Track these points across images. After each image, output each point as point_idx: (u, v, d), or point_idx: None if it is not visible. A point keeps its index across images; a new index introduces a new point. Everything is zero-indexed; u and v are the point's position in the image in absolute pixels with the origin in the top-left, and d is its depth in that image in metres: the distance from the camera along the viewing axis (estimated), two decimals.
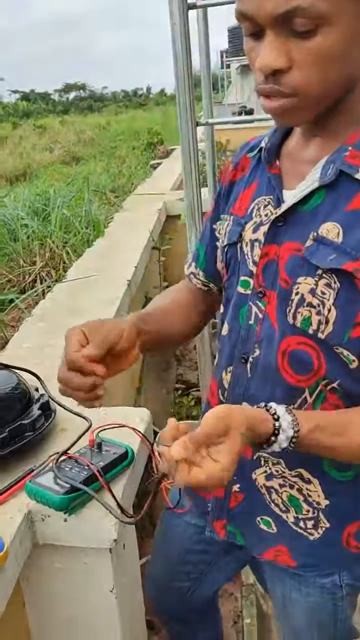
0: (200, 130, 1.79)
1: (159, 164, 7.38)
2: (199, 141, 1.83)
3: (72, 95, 79.24)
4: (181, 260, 1.16)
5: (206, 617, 1.30)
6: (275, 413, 0.78)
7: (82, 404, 0.88)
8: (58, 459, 1.02)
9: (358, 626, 1.09)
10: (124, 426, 1.14)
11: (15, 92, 73.19)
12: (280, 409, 0.79)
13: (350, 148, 0.78)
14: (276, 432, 0.77)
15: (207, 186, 2.51)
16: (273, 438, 0.77)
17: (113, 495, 0.98)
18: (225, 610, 1.70)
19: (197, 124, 1.73)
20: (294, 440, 0.77)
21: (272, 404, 0.80)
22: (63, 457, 1.04)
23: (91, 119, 29.09)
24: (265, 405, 0.80)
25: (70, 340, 0.86)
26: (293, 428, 0.77)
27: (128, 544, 1.19)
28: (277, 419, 0.77)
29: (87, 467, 1.01)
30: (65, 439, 1.15)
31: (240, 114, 9.20)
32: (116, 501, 0.98)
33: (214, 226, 1.05)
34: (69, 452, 1.05)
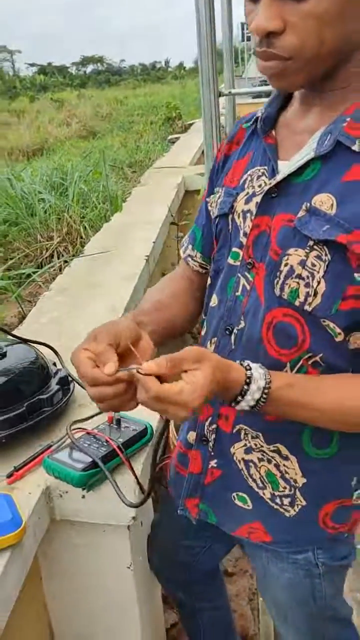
0: (221, 103, 1.74)
1: (177, 138, 7.28)
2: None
3: (89, 68, 78.23)
4: None
5: (209, 589, 1.31)
6: (248, 365, 0.79)
7: (123, 409, 0.83)
8: (70, 430, 1.00)
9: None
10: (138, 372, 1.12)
11: (32, 65, 72.35)
12: (252, 363, 0.79)
13: (348, 119, 0.76)
14: (247, 380, 0.77)
15: None
16: (245, 387, 0.77)
17: (134, 472, 0.97)
18: (240, 588, 1.71)
19: (220, 94, 1.68)
20: (265, 391, 0.77)
21: (245, 361, 0.80)
22: (82, 433, 1.03)
23: (109, 93, 28.74)
24: (240, 361, 0.80)
25: (81, 362, 0.79)
26: (265, 379, 0.78)
27: (145, 520, 1.18)
28: (249, 369, 0.78)
29: (106, 443, 1.00)
30: (83, 414, 1.13)
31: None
32: (136, 478, 0.97)
33: (208, 200, 1.02)
34: (87, 428, 1.04)
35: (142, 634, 1.16)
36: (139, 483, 0.97)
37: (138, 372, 0.71)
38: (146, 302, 1.05)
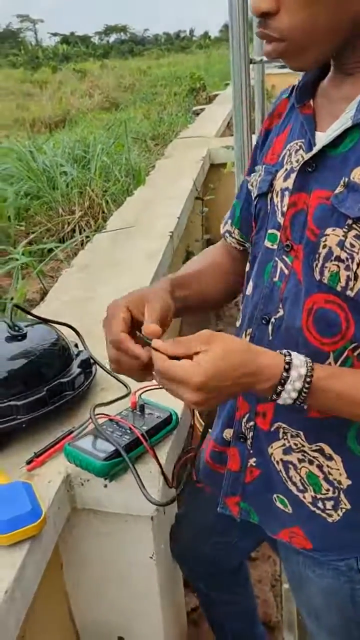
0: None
1: (201, 109, 7.11)
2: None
3: (112, 38, 77.04)
4: (225, 212, 1.07)
5: (233, 583, 1.27)
6: (288, 353, 0.73)
7: (136, 379, 0.83)
8: (94, 415, 0.96)
9: None
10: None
11: (55, 34, 71.55)
12: (293, 353, 0.73)
13: None
14: (287, 367, 0.71)
15: (255, 132, 2.36)
16: (285, 373, 0.71)
17: (158, 462, 0.93)
18: (263, 574, 1.68)
19: (251, 62, 1.59)
20: (308, 379, 0.71)
21: (284, 351, 0.74)
22: (104, 419, 0.99)
23: (132, 63, 28.25)
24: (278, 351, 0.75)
25: (115, 318, 0.80)
26: (306, 366, 0.71)
27: (169, 509, 1.15)
28: (289, 356, 0.72)
29: (129, 431, 0.95)
30: (106, 398, 1.09)
31: None
32: (161, 468, 0.93)
33: (248, 179, 0.96)
34: (110, 414, 0.99)
35: (163, 622, 1.13)
36: (163, 473, 0.93)
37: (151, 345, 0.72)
38: (185, 269, 1.01)
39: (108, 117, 10.19)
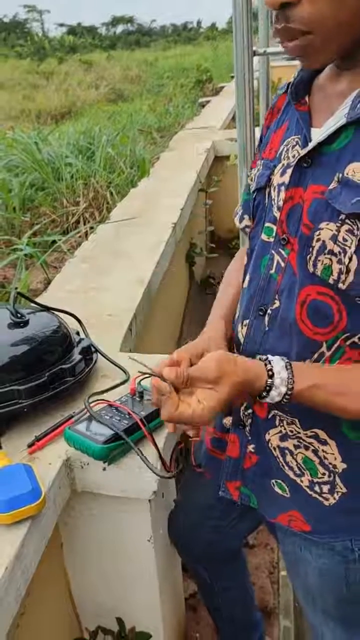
0: (254, 65, 1.65)
1: (208, 101, 7.09)
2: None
3: (119, 29, 76.62)
4: (229, 204, 1.08)
5: (230, 568, 1.30)
6: (271, 369, 0.78)
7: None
8: (89, 400, 0.99)
9: None
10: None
11: (61, 25, 71.15)
12: (277, 365, 0.78)
13: None
14: (267, 388, 0.77)
15: (259, 125, 2.36)
16: (265, 393, 0.78)
17: (156, 446, 0.95)
18: (260, 561, 1.70)
19: (255, 54, 1.59)
20: (287, 396, 0.78)
21: (272, 359, 0.79)
22: (103, 405, 1.01)
23: (138, 55, 28.14)
24: (266, 360, 0.80)
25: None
26: (287, 385, 0.77)
27: (167, 493, 1.17)
28: (272, 376, 0.78)
29: (128, 416, 0.97)
30: (106, 385, 1.11)
31: None
32: (159, 452, 0.94)
33: (249, 174, 0.98)
34: (109, 399, 1.01)
35: (161, 604, 1.16)
36: (161, 458, 0.95)
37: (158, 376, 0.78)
38: (229, 294, 1.07)
39: (114, 108, 10.18)
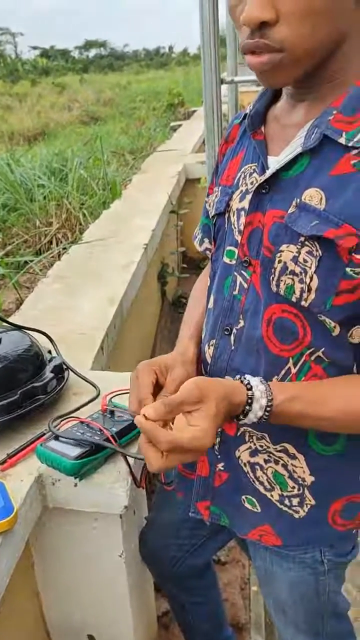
0: (223, 91, 1.72)
1: (179, 125, 7.22)
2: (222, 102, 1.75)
3: (92, 52, 77.46)
4: None
5: (200, 584, 1.31)
6: (248, 383, 0.79)
7: None
8: (53, 423, 1.01)
9: (349, 596, 1.08)
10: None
11: (34, 48, 71.59)
12: (253, 380, 0.79)
13: (334, 112, 0.74)
14: (249, 400, 0.78)
15: None
16: (247, 407, 0.78)
17: (127, 462, 0.97)
18: (232, 577, 1.72)
19: (222, 82, 1.66)
20: (268, 409, 0.78)
21: (247, 376, 0.81)
22: (75, 422, 1.02)
23: (111, 78, 28.48)
24: (241, 377, 0.81)
25: (145, 381, 0.87)
26: (266, 397, 0.78)
27: (138, 509, 1.19)
28: (250, 389, 0.78)
29: (99, 432, 0.99)
30: (78, 402, 1.13)
31: None
32: (129, 468, 0.97)
33: (206, 200, 1.02)
34: (80, 417, 1.03)
35: (133, 622, 1.16)
36: (132, 474, 0.97)
37: (140, 418, 0.73)
38: (196, 313, 1.07)
39: (87, 130, 10.25)
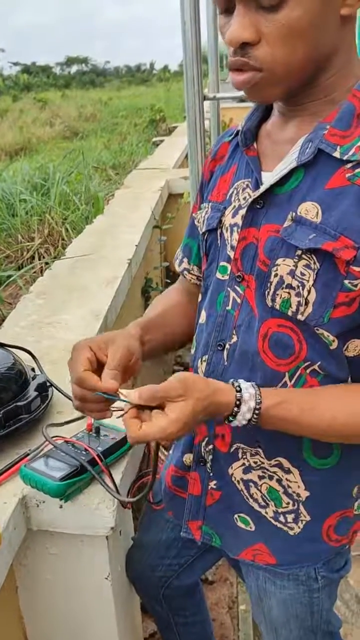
0: (205, 107, 1.73)
1: (161, 140, 7.26)
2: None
3: (74, 69, 77.91)
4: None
5: (187, 603, 1.29)
6: (238, 386, 0.79)
7: (98, 418, 0.87)
8: (46, 434, 0.98)
9: (338, 612, 1.07)
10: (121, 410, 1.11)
11: (16, 64, 71.79)
12: (244, 383, 0.79)
13: (328, 126, 0.76)
14: (237, 402, 0.78)
15: None
16: (235, 409, 0.78)
17: (113, 481, 0.95)
18: (220, 596, 1.69)
19: (205, 98, 1.67)
20: (256, 412, 0.78)
21: (239, 379, 0.81)
22: (60, 441, 1.00)
23: (93, 94, 28.64)
24: (233, 381, 0.81)
25: (79, 358, 0.84)
26: (255, 400, 0.78)
27: (124, 530, 1.16)
28: (240, 391, 0.78)
29: (85, 452, 0.97)
30: (59, 420, 1.10)
31: None
32: (115, 487, 0.95)
33: (195, 216, 1.02)
34: (66, 436, 1.01)
35: None
36: (118, 492, 0.95)
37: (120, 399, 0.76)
38: (150, 311, 1.06)
39: (69, 145, 10.27)
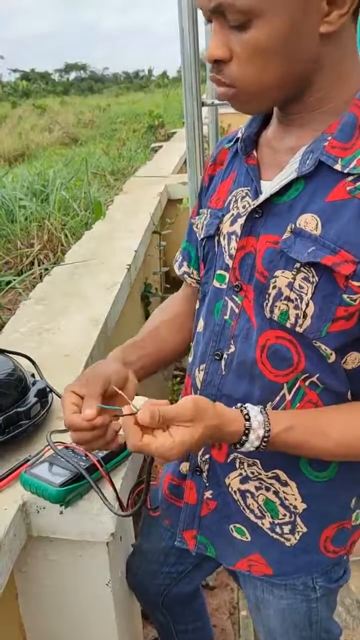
0: (203, 113, 1.74)
1: (160, 146, 7.28)
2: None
3: (72, 75, 78.15)
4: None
5: (188, 610, 1.28)
6: (247, 413, 0.78)
7: (105, 449, 0.87)
8: (50, 439, 0.98)
9: (339, 618, 1.07)
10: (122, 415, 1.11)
11: (15, 70, 71.96)
12: (253, 410, 0.79)
13: (329, 138, 0.75)
14: (246, 431, 0.77)
15: None
16: (244, 437, 0.77)
17: (113, 487, 0.95)
18: (221, 602, 1.69)
19: (203, 104, 1.67)
20: (265, 439, 0.77)
21: (248, 405, 0.80)
22: (60, 447, 1.00)
23: (91, 100, 28.73)
24: (241, 406, 0.80)
25: (65, 404, 0.85)
26: (264, 427, 0.77)
27: (125, 536, 1.16)
28: (248, 419, 0.77)
29: (85, 457, 0.97)
30: (62, 426, 1.10)
31: None
32: (116, 493, 0.95)
33: (193, 221, 1.02)
34: (66, 442, 1.01)
35: None
36: (118, 499, 0.95)
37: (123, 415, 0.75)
38: (147, 328, 1.07)
39: (68, 152, 10.30)
